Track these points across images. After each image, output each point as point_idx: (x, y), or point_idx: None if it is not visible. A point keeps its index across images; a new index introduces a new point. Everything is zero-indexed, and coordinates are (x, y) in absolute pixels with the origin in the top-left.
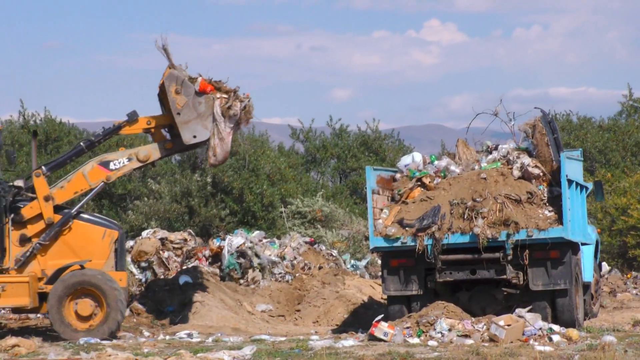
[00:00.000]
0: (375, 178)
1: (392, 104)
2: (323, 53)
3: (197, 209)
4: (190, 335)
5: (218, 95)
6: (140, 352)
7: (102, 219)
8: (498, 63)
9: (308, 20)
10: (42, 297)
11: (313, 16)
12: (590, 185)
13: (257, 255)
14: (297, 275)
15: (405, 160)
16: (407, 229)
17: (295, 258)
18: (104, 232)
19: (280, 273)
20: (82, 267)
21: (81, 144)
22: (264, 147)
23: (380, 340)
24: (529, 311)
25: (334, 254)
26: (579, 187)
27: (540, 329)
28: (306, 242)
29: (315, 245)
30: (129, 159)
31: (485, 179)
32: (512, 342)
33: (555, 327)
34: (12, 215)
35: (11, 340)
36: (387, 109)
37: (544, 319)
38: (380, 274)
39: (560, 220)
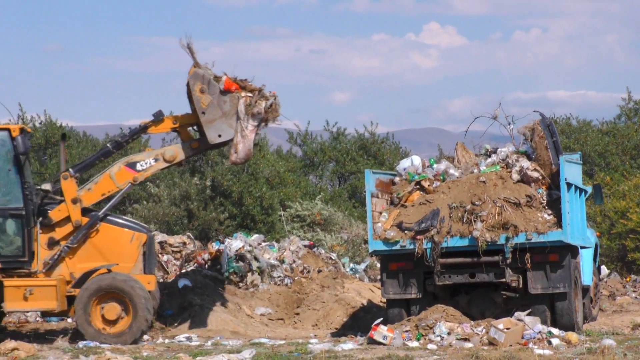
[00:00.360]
0: (375, 181)
1: (391, 107)
2: (322, 56)
3: (196, 213)
4: (189, 339)
5: (243, 93)
6: (139, 356)
7: (130, 222)
8: (497, 66)
9: (307, 24)
10: (70, 300)
11: (312, 19)
12: (589, 189)
13: (256, 259)
14: (296, 278)
15: (404, 163)
16: (406, 232)
17: (294, 261)
18: (132, 235)
19: (279, 276)
20: (109, 271)
21: (108, 145)
22: (263, 151)
23: (379, 343)
24: (528, 314)
25: (333, 258)
26: (578, 191)
27: (540, 332)
28: (305, 246)
29: (315, 249)
30: (156, 160)
31: (484, 182)
32: (511, 345)
33: (555, 331)
34: (41, 219)
35: (10, 343)
36: (386, 112)
37: (544, 322)
38: (379, 277)
39: (559, 223)
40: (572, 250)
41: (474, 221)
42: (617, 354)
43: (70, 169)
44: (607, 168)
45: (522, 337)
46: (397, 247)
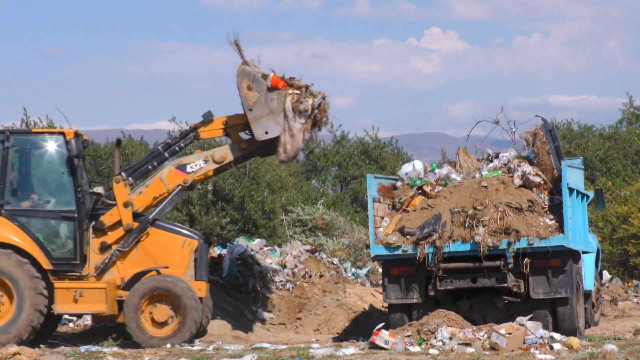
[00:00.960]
0: (376, 186)
1: (393, 111)
2: (324, 60)
3: (198, 217)
4: (191, 343)
5: (290, 91)
6: None
7: (182, 228)
8: (499, 71)
9: (309, 28)
10: (121, 305)
11: (314, 24)
12: (591, 194)
13: (258, 264)
14: (297, 283)
15: (406, 168)
16: (408, 237)
17: (296, 266)
18: (184, 242)
19: (281, 281)
20: (159, 273)
21: (159, 148)
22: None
23: (381, 348)
24: (530, 319)
25: (334, 262)
26: (580, 196)
27: (541, 337)
28: (307, 250)
29: (316, 254)
30: (205, 161)
31: (486, 187)
32: (513, 350)
33: (556, 336)
34: (93, 223)
35: (12, 348)
36: (387, 117)
37: (545, 327)
38: (381, 282)
39: (561, 228)
40: (574, 255)
41: (476, 226)
42: (618, 359)
43: (122, 173)
44: (608, 173)
45: (524, 342)
46: (399, 251)
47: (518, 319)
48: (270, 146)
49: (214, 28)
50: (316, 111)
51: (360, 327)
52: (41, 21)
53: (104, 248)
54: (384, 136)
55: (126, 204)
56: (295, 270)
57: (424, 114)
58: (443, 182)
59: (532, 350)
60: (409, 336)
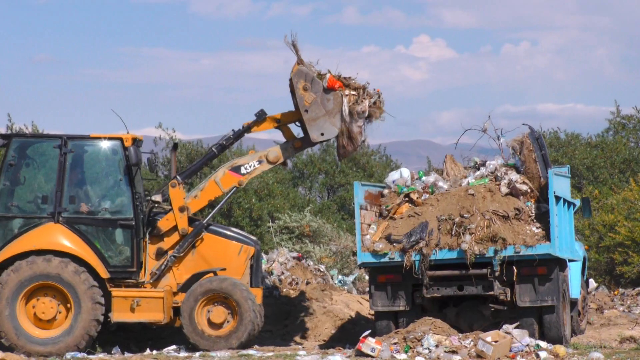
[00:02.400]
0: (364, 194)
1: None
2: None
3: None
4: (177, 350)
5: (347, 92)
6: None
7: (239, 235)
8: (487, 79)
9: (298, 36)
10: (177, 312)
11: (303, 31)
12: (577, 202)
13: None
14: (284, 290)
15: (393, 175)
16: (394, 244)
17: (282, 273)
18: (241, 248)
19: (267, 288)
20: (216, 274)
21: (213, 149)
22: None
23: (367, 355)
24: (516, 327)
25: (321, 269)
26: (566, 204)
27: (528, 345)
28: (294, 257)
29: (303, 261)
30: (259, 162)
31: (473, 195)
32: (499, 358)
33: (543, 344)
34: (150, 229)
35: None
36: (375, 124)
37: (531, 335)
38: (367, 289)
39: (547, 236)
40: (561, 264)
41: (463, 234)
42: None
43: (178, 176)
44: (595, 181)
45: (510, 350)
46: (386, 259)
47: (504, 326)
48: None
49: (202, 35)
50: (372, 109)
51: (346, 335)
52: (30, 28)
53: (160, 254)
54: (372, 143)
55: (182, 209)
56: (282, 277)
57: (412, 122)
58: (430, 190)
59: (518, 358)
60: (395, 343)
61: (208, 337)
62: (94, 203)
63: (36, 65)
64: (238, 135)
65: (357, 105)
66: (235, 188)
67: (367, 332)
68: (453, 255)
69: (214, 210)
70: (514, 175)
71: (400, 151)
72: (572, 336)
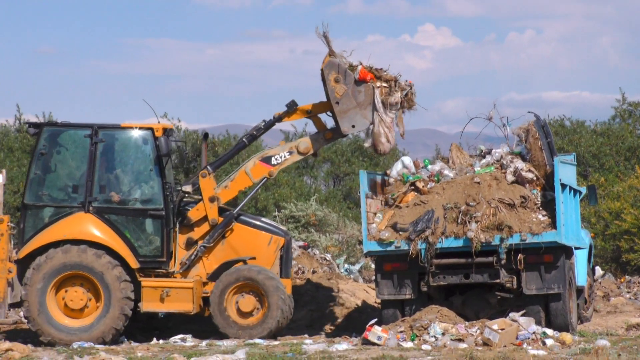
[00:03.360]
0: (369, 182)
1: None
2: (316, 57)
3: None
4: (184, 339)
5: (378, 84)
6: (133, 356)
7: (268, 225)
8: (491, 67)
9: (302, 25)
10: (206, 301)
11: (307, 21)
12: (583, 190)
13: None
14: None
15: (397, 165)
16: (400, 233)
17: None
18: (270, 239)
19: None
20: (245, 263)
21: (244, 139)
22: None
23: (374, 344)
24: (523, 315)
25: (327, 258)
26: (572, 192)
27: (534, 333)
28: (300, 246)
29: (309, 249)
30: (290, 153)
31: (478, 183)
32: (505, 346)
33: (549, 331)
34: (180, 219)
35: (4, 344)
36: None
37: (538, 323)
38: (373, 278)
39: (553, 224)
40: (567, 251)
41: (469, 222)
42: (611, 354)
43: (208, 167)
44: (601, 169)
45: (517, 338)
46: (392, 247)
47: (511, 314)
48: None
49: (206, 26)
50: (404, 100)
51: (353, 323)
52: (34, 20)
53: (190, 244)
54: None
55: (212, 199)
56: None
57: (417, 111)
58: (436, 178)
59: (524, 345)
60: (401, 332)
61: (237, 326)
62: (124, 193)
63: (40, 57)
64: (269, 125)
65: (389, 96)
66: (265, 179)
67: (373, 321)
68: (459, 243)
69: (244, 201)
70: (519, 163)
71: (406, 139)
72: (578, 324)
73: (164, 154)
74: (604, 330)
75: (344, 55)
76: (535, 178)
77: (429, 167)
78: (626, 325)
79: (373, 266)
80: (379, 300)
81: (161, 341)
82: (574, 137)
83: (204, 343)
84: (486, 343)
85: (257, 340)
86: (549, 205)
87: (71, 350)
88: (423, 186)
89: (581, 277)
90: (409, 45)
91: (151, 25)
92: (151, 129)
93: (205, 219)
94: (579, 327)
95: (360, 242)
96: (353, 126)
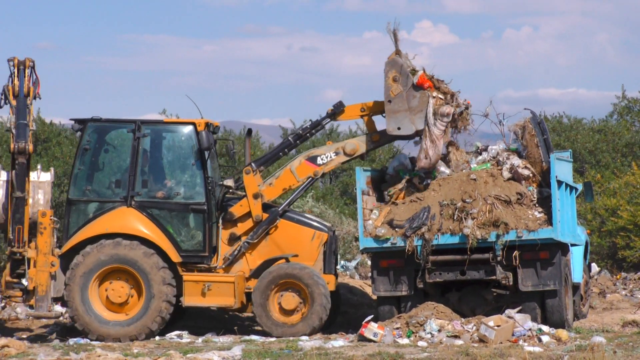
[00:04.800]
0: (365, 179)
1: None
2: (314, 54)
3: None
4: (180, 336)
5: (435, 93)
6: (130, 353)
7: (312, 220)
8: (488, 64)
9: (299, 21)
10: (249, 297)
11: (304, 17)
12: (580, 186)
13: None
14: None
15: (394, 161)
16: (397, 229)
17: None
18: (314, 234)
19: None
20: (288, 261)
21: (289, 138)
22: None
23: (370, 340)
24: (519, 312)
25: None
26: (568, 188)
27: (530, 329)
28: None
29: None
30: (336, 153)
31: (475, 180)
32: (501, 342)
33: (545, 328)
34: (223, 214)
35: (0, 340)
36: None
37: (534, 319)
38: (370, 274)
39: (549, 221)
40: (563, 248)
41: (465, 219)
42: (606, 351)
43: (253, 164)
44: (597, 166)
45: (513, 334)
46: (388, 244)
47: (507, 311)
48: (405, 137)
49: (204, 22)
50: (457, 118)
51: (349, 320)
52: (32, 15)
53: (233, 239)
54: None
55: (256, 196)
56: None
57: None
58: (432, 175)
59: (520, 342)
60: (397, 328)
61: (279, 324)
62: (166, 187)
63: (39, 52)
64: (315, 125)
65: (442, 106)
66: (311, 178)
67: (369, 317)
68: (455, 240)
69: (289, 199)
70: (516, 160)
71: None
72: (574, 320)
73: (205, 147)
74: (600, 327)
75: (410, 57)
76: (531, 175)
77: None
78: (622, 322)
79: (369, 263)
80: (375, 297)
81: (157, 337)
82: (571, 133)
83: (200, 340)
84: (482, 340)
85: (253, 337)
86: (545, 202)
87: (67, 347)
88: (419, 183)
89: (577, 274)
90: (407, 42)
91: (149, 22)
92: (193, 124)
93: (248, 215)
94: (574, 324)
95: (357, 239)
96: (399, 128)
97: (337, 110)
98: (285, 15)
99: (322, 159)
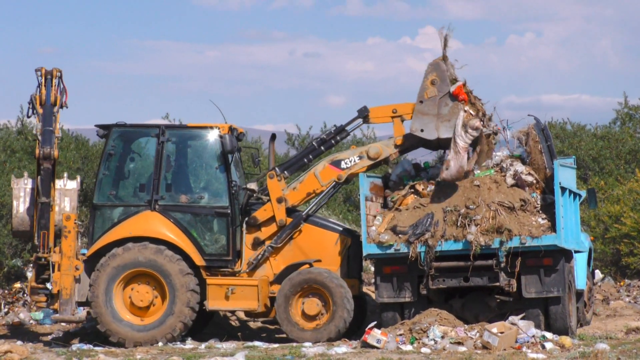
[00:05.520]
0: (369, 185)
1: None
2: (316, 59)
3: None
4: (183, 342)
5: (467, 107)
6: (133, 359)
7: (336, 225)
8: (491, 70)
9: (302, 27)
10: (273, 302)
11: (307, 23)
12: (583, 193)
13: None
14: None
15: (397, 168)
16: (400, 235)
17: None
18: (338, 238)
19: None
20: (311, 266)
21: (314, 143)
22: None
23: (373, 347)
24: (522, 319)
25: None
26: (572, 195)
27: (533, 336)
28: None
29: None
30: (360, 157)
31: (478, 186)
32: (505, 349)
33: (548, 335)
34: (246, 219)
35: (3, 346)
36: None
37: (537, 326)
38: (373, 280)
39: (553, 227)
40: (566, 255)
41: (468, 225)
42: (610, 358)
43: (277, 168)
44: (601, 172)
45: (516, 341)
46: (391, 250)
47: (510, 318)
48: (428, 145)
49: (206, 27)
50: (482, 140)
51: (352, 326)
52: (35, 20)
53: (257, 244)
54: (379, 135)
55: (280, 200)
56: None
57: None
58: (436, 181)
59: (524, 349)
60: (401, 335)
61: (301, 329)
62: (190, 191)
63: (42, 57)
64: (339, 130)
65: (471, 120)
66: (334, 182)
67: (372, 324)
68: (459, 246)
69: (313, 203)
70: (519, 167)
71: None
72: (578, 327)
73: (228, 150)
74: (604, 334)
75: (456, 67)
76: (535, 181)
77: (429, 170)
78: (626, 329)
79: (373, 269)
80: (378, 303)
81: (160, 343)
82: (574, 140)
83: (203, 345)
84: (485, 346)
85: (257, 343)
86: (548, 209)
87: (70, 352)
88: (423, 189)
89: (581, 281)
90: (410, 47)
91: (151, 27)
92: (217, 128)
93: (272, 219)
94: (578, 331)
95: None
96: (422, 130)
97: (361, 115)
98: (288, 20)
99: (345, 163)
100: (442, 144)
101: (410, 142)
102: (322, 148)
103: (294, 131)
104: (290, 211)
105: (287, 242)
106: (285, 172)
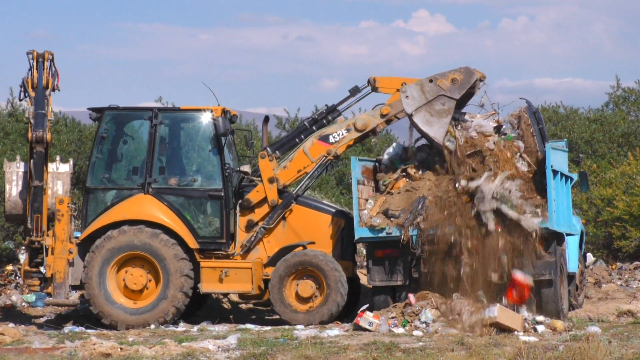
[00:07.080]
0: (361, 168)
1: (380, 94)
2: (310, 43)
3: None
4: (175, 324)
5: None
6: (125, 341)
7: (329, 206)
8: (484, 54)
9: (295, 11)
10: (267, 283)
11: (301, 6)
12: (575, 176)
13: None
14: None
15: (389, 150)
16: (392, 219)
17: None
18: (331, 220)
19: None
20: (305, 248)
21: (305, 123)
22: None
23: (365, 330)
24: None
25: None
26: (564, 178)
27: (525, 319)
28: None
29: None
30: (348, 130)
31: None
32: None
33: (540, 318)
34: (240, 201)
35: None
36: (374, 100)
37: (529, 309)
38: (365, 264)
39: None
40: (558, 238)
41: None
42: (602, 341)
43: (268, 148)
44: (593, 155)
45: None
46: (383, 234)
47: (504, 300)
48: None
49: (199, 11)
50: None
51: (344, 309)
52: (27, 3)
53: (250, 226)
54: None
55: (271, 180)
56: None
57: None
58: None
59: (515, 332)
60: (393, 318)
61: (294, 311)
62: (183, 174)
63: (33, 41)
64: (330, 110)
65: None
66: (324, 157)
67: (364, 307)
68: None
69: (303, 181)
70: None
71: (399, 125)
72: (569, 310)
73: (221, 133)
74: (595, 317)
75: (481, 89)
76: (527, 164)
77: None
78: (617, 312)
79: (364, 252)
80: (370, 286)
81: (152, 326)
82: (567, 123)
83: (196, 328)
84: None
85: (249, 326)
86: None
87: (62, 335)
88: (414, 172)
89: (572, 264)
90: (403, 31)
91: (144, 11)
92: (210, 110)
93: (265, 201)
94: (570, 314)
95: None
96: (407, 97)
97: (353, 95)
98: (282, 4)
99: (334, 137)
100: (411, 120)
101: (395, 110)
102: (314, 128)
103: (283, 114)
104: (281, 192)
105: (280, 223)
106: (277, 152)
